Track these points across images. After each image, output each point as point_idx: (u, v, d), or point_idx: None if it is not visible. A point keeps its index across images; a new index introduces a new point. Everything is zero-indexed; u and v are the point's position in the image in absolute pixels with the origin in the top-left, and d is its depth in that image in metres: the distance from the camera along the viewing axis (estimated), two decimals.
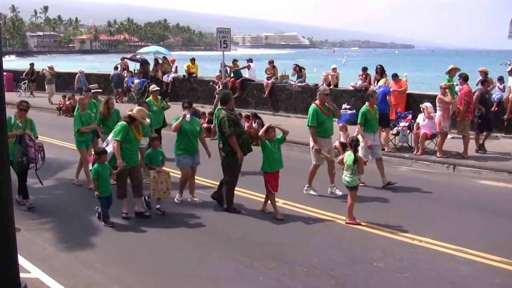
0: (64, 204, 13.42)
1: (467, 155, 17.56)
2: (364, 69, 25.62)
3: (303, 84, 28.00)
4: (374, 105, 15.14)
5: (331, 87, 26.29)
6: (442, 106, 17.78)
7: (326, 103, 14.12)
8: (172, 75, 33.70)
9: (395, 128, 19.43)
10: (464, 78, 18.70)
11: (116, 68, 35.39)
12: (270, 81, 28.69)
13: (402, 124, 19.35)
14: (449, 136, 18.72)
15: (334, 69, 27.24)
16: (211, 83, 28.84)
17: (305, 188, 14.30)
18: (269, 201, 12.53)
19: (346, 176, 12.00)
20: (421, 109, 18.51)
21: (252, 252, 10.18)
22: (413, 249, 10.37)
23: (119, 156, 11.77)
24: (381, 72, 21.98)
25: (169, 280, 9.08)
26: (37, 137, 13.15)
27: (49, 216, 12.34)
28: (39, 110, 29.87)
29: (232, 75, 30.29)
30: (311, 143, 14.23)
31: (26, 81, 38.44)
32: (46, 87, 35.22)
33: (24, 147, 12.40)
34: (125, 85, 34.16)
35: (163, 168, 12.69)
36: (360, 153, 14.12)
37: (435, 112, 18.48)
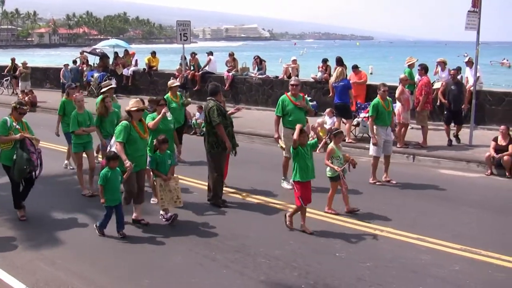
0: (31, 203, 12.34)
1: (426, 145, 17.82)
2: (324, 61, 25.64)
3: (264, 76, 28.02)
4: (387, 98, 14.68)
5: (292, 78, 26.36)
6: (403, 98, 17.92)
7: (301, 95, 14.07)
8: (132, 68, 33.45)
9: (355, 119, 19.57)
10: (424, 69, 18.88)
11: (74, 62, 34.88)
12: (230, 74, 28.62)
13: (362, 115, 19.46)
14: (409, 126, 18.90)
15: (294, 61, 27.27)
16: (171, 78, 28.58)
17: (281, 179, 14.21)
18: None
19: (327, 168, 11.96)
20: None
21: (215, 245, 10.14)
22: (375, 239, 10.44)
23: (124, 157, 10.55)
24: (339, 63, 22.02)
25: (132, 274, 8.99)
26: (39, 141, 11.82)
27: (12, 214, 11.95)
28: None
29: (192, 68, 30.15)
30: (281, 134, 14.11)
31: (9, 77, 36.47)
32: (20, 84, 33.81)
33: (27, 153, 11.26)
34: (84, 79, 33.73)
35: (172, 174, 11.73)
36: (371, 151, 14.41)
37: (394, 102, 18.67)
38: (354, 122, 19.48)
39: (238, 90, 28.47)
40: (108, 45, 42.08)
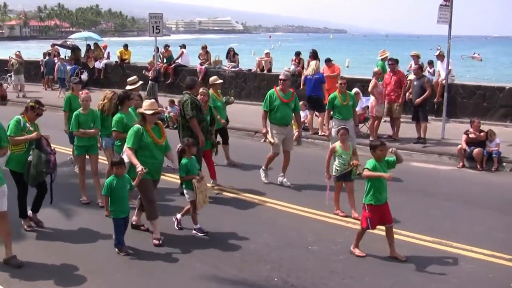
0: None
1: (397, 137, 17.94)
2: (297, 54, 25.61)
3: (237, 69, 27.98)
4: (347, 91, 14.66)
5: (264, 72, 26.42)
6: (376, 91, 17.98)
7: (290, 91, 13.73)
8: (104, 61, 33.20)
9: None
10: (396, 62, 18.93)
11: (48, 54, 34.32)
12: (203, 67, 28.44)
13: None
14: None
15: (267, 54, 27.30)
16: (143, 71, 28.44)
17: (261, 169, 14.03)
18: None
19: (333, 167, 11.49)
20: None
21: (188, 239, 10.12)
22: (348, 232, 10.46)
23: (136, 161, 9.52)
24: (314, 56, 22.01)
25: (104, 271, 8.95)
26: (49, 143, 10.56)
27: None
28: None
29: (165, 60, 30.00)
30: (266, 129, 13.73)
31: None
32: (13, 78, 31.91)
33: (45, 154, 10.12)
34: (56, 72, 33.34)
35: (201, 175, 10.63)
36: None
37: (367, 96, 18.79)
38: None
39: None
40: (80, 38, 41.71)
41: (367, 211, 9.35)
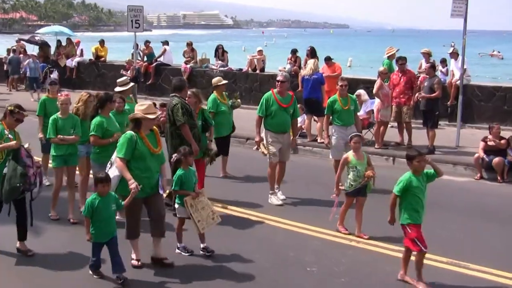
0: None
1: (411, 144, 17.72)
2: (294, 52, 25.62)
3: (226, 68, 27.94)
4: (348, 95, 14.50)
5: (257, 71, 26.38)
6: (381, 93, 17.94)
7: (289, 94, 13.56)
8: (77, 59, 32.95)
9: None
10: (405, 61, 18.77)
11: (13, 50, 34.10)
12: (188, 66, 28.43)
13: None
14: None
15: (260, 52, 27.27)
16: (121, 70, 28.39)
17: (269, 194, 13.57)
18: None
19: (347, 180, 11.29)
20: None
21: (179, 258, 10.00)
22: (351, 251, 10.44)
23: (128, 175, 9.18)
24: (312, 54, 22.01)
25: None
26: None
27: None
28: None
29: (145, 59, 29.96)
30: (260, 137, 13.61)
31: None
32: None
33: (22, 166, 9.71)
34: (21, 70, 33.12)
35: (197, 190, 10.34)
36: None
37: (372, 98, 18.74)
38: None
39: (197, 84, 28.23)
40: (50, 32, 41.55)
41: (409, 231, 8.99)
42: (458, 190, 14.70)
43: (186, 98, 12.62)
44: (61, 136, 11.73)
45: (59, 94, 12.85)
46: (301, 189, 14.16)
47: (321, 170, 15.29)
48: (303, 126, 19.14)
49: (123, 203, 9.19)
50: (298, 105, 16.43)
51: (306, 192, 14.02)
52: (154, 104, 11.13)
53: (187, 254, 10.24)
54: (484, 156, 15.54)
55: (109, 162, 9.83)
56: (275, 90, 13.46)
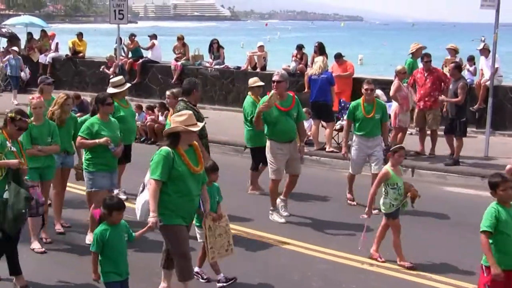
0: None
1: (434, 154, 17.89)
2: (299, 48, 25.63)
3: (222, 66, 27.95)
4: (376, 99, 14.53)
5: (257, 70, 26.38)
6: (399, 95, 17.86)
7: (290, 95, 13.36)
8: (51, 54, 32.88)
9: (338, 122, 19.54)
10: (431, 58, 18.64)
11: None
12: (179, 63, 28.42)
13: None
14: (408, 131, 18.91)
15: (261, 48, 27.24)
16: (102, 67, 28.44)
17: (270, 211, 13.51)
18: None
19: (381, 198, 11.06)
20: None
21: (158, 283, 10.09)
22: (363, 275, 10.50)
23: (154, 207, 8.56)
24: (320, 51, 22.03)
25: None
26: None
27: None
28: None
29: (130, 55, 30.03)
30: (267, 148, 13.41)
31: None
32: None
33: (25, 189, 9.37)
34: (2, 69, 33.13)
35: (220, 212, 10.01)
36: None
37: (389, 101, 18.73)
38: (337, 126, 19.44)
39: None
40: (19, 24, 41.61)
41: (485, 275, 8.39)
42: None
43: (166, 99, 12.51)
44: (39, 147, 11.34)
45: (30, 97, 12.49)
46: (306, 204, 14.20)
47: (330, 183, 15.31)
48: (309, 133, 19.13)
49: (134, 234, 8.62)
50: (304, 109, 16.42)
51: (312, 207, 14.07)
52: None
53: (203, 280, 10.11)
54: None
55: (141, 184, 9.44)
56: (271, 92, 13.08)
